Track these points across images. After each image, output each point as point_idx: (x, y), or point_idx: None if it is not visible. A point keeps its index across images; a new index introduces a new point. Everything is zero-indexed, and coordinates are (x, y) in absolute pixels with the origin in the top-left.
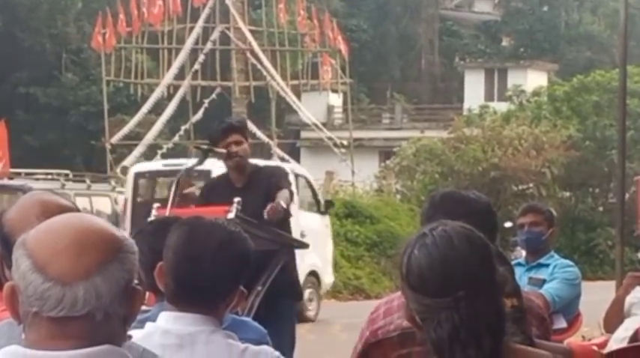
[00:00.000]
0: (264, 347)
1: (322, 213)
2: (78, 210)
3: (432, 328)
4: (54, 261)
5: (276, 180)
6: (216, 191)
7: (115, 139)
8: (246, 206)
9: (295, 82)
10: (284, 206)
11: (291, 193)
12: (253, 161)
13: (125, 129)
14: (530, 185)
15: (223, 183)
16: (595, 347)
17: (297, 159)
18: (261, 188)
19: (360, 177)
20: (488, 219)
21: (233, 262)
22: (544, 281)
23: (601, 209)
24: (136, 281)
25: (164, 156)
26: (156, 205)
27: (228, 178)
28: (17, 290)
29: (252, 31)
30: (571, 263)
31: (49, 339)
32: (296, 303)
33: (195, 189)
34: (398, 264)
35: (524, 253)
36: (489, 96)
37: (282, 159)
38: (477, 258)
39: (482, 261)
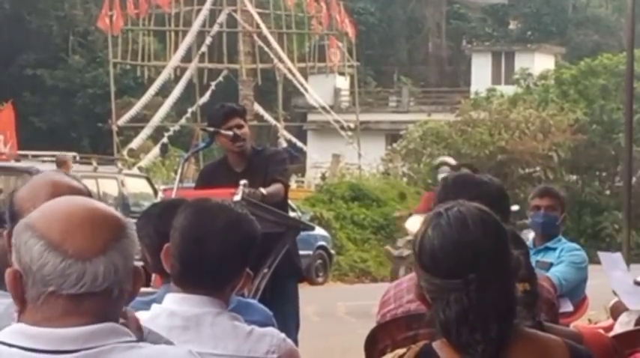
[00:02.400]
0: (270, 328)
1: None
2: (88, 191)
3: (440, 308)
4: (70, 238)
5: (273, 168)
6: (216, 175)
7: (121, 122)
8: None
9: (302, 64)
10: (263, 192)
11: (287, 186)
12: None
13: (132, 112)
14: (537, 168)
15: (223, 168)
16: (601, 331)
17: (304, 142)
18: (260, 172)
19: (366, 160)
20: (501, 202)
21: (239, 244)
22: (551, 265)
23: (608, 192)
24: (141, 263)
25: (171, 139)
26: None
27: (227, 162)
28: (21, 274)
29: (259, 14)
30: (578, 246)
31: (63, 317)
32: (297, 282)
33: None
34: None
35: (530, 236)
36: (496, 80)
37: (290, 143)
38: (490, 242)
39: (495, 245)
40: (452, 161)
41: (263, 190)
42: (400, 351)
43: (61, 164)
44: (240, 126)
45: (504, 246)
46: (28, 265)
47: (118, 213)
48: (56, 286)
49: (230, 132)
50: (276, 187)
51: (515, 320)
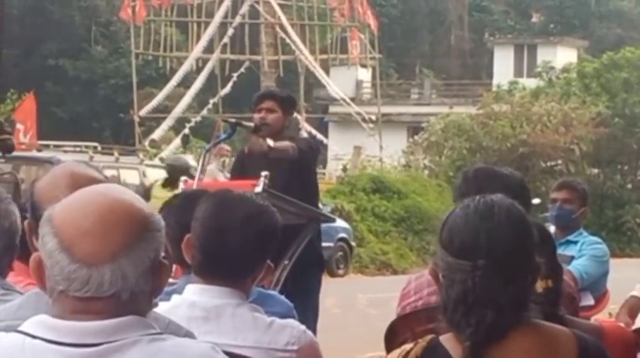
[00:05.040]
0: (291, 320)
1: None
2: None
3: (445, 287)
4: (80, 241)
5: (298, 142)
6: (249, 160)
7: (143, 112)
8: (275, 176)
9: (324, 56)
10: (270, 145)
11: (305, 154)
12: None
13: (154, 102)
14: (559, 161)
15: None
16: (622, 325)
17: (325, 134)
18: (288, 159)
19: (387, 152)
20: (522, 195)
21: (260, 235)
22: (572, 258)
23: (629, 186)
24: (162, 254)
25: (192, 130)
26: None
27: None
28: (43, 262)
29: (281, 5)
30: (599, 240)
31: (74, 314)
32: (320, 276)
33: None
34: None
35: (552, 230)
36: (518, 73)
37: (311, 134)
38: (509, 234)
39: (514, 239)
40: None
41: (270, 142)
42: (407, 346)
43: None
44: (270, 110)
45: (523, 245)
46: (45, 259)
47: (145, 210)
48: (64, 287)
49: (251, 124)
50: (285, 144)
51: (526, 313)
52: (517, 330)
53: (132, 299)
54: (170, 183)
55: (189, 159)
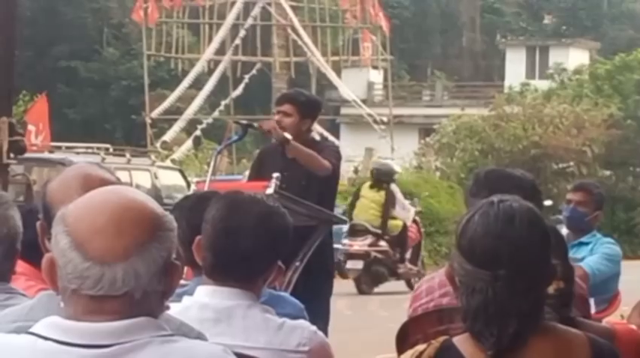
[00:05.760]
0: (301, 321)
1: None
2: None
3: (464, 294)
4: (93, 240)
5: (327, 154)
6: (269, 157)
7: (155, 114)
8: (291, 177)
9: (336, 58)
10: (288, 137)
11: (335, 166)
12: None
13: (165, 104)
14: (571, 163)
15: (278, 151)
16: (634, 327)
17: (337, 136)
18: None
19: (399, 154)
20: (534, 197)
21: (272, 237)
22: (583, 259)
23: None
24: (174, 256)
25: (204, 132)
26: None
27: (282, 147)
28: (56, 263)
29: (293, 7)
30: (612, 241)
31: (87, 314)
32: (331, 279)
33: None
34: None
35: (564, 232)
36: (530, 74)
37: (322, 136)
38: (530, 244)
39: (535, 249)
40: None
41: (289, 136)
42: (420, 347)
43: None
44: (287, 114)
45: (544, 252)
46: (58, 258)
47: (157, 211)
48: (77, 285)
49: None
50: (312, 153)
51: (536, 322)
52: (534, 334)
53: (144, 299)
54: (376, 185)
55: (395, 165)
